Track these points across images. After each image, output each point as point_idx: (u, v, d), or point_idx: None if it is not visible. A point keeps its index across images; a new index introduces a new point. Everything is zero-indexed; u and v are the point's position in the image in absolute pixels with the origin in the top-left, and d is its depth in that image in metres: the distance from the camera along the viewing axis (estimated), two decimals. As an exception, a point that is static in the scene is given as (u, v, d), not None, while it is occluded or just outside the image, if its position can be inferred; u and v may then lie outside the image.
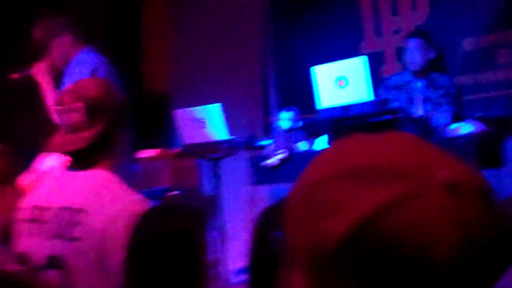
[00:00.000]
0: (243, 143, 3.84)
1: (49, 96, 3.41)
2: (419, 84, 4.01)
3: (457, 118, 3.77)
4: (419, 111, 3.98)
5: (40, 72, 3.48)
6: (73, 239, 1.75)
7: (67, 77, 3.40)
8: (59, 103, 1.86)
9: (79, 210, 1.77)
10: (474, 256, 0.61)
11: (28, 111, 4.65)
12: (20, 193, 2.06)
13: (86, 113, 1.82)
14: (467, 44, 4.20)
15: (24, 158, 2.46)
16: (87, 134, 1.82)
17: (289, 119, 4.12)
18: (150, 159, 3.62)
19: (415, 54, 3.98)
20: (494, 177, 3.96)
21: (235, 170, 4.54)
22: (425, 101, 3.97)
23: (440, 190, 0.60)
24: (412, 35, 4.11)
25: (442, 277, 0.60)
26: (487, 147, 3.14)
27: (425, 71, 4.01)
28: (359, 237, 0.60)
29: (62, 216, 1.79)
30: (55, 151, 1.96)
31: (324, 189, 0.64)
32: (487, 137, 3.19)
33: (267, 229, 1.25)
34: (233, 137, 3.91)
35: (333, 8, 4.77)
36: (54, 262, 1.78)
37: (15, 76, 3.52)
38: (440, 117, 3.41)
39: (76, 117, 1.83)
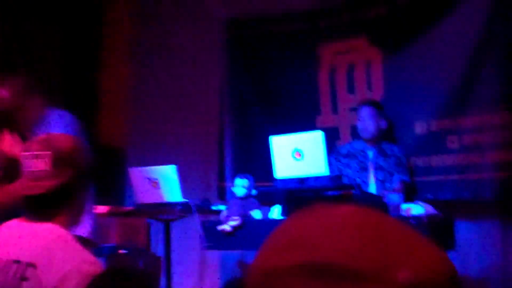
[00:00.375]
0: (196, 206, 3.82)
1: None
2: (370, 153, 4.14)
3: (411, 191, 3.87)
4: (371, 179, 4.07)
5: (10, 145, 3.13)
6: (20, 294, 1.69)
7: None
8: (26, 149, 1.84)
9: (29, 265, 1.72)
10: None
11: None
12: None
13: (52, 163, 1.80)
14: (419, 127, 4.33)
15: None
16: (49, 183, 1.80)
17: (244, 186, 4.12)
18: (100, 215, 3.56)
19: (367, 122, 4.13)
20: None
21: (186, 233, 4.49)
22: (377, 169, 4.09)
23: None
24: (365, 103, 4.26)
25: None
26: (438, 229, 3.21)
27: (376, 140, 4.15)
28: None
29: (10, 269, 1.74)
30: (14, 193, 1.93)
31: (280, 279, 0.61)
32: (438, 220, 3.27)
33: None
34: (187, 199, 3.89)
35: (292, 79, 4.87)
36: (-2, 317, 1.71)
37: None
38: (392, 197, 3.49)
39: (41, 165, 1.80)
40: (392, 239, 0.62)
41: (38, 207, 1.83)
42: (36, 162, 1.81)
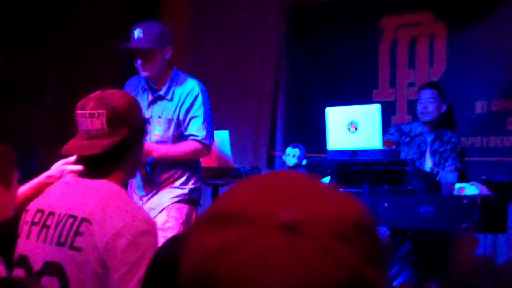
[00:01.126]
0: (245, 173, 3.83)
1: (176, 151, 3.22)
2: (429, 138, 4.08)
3: (461, 176, 3.80)
4: (427, 162, 4.02)
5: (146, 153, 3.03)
6: (74, 248, 1.73)
7: (170, 99, 3.16)
8: (82, 107, 1.84)
9: (83, 220, 1.75)
10: None
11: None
12: (15, 196, 2.03)
13: (107, 122, 1.81)
14: (479, 106, 4.23)
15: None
16: (104, 142, 1.81)
17: (294, 156, 4.12)
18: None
19: (428, 105, 4.05)
20: (492, 242, 3.97)
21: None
22: (433, 153, 4.03)
23: (276, 232, 0.61)
24: (426, 86, 4.18)
25: None
26: (491, 212, 3.15)
27: (436, 124, 4.08)
28: (195, 281, 0.63)
29: (65, 223, 1.77)
30: (69, 153, 1.95)
31: (191, 232, 0.68)
32: (491, 202, 3.20)
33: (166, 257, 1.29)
34: (237, 165, 3.91)
35: (351, 53, 4.81)
36: (50, 269, 1.76)
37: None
38: (447, 175, 3.43)
39: (96, 123, 1.82)
40: (293, 190, 0.66)
41: (94, 166, 1.85)
42: (91, 121, 1.82)
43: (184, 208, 3.15)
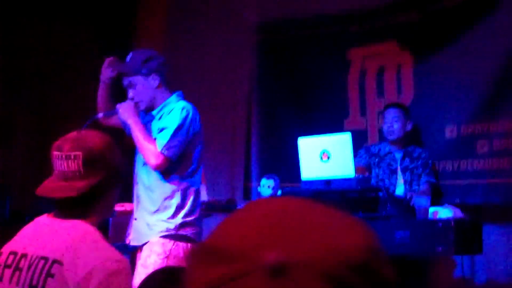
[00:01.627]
0: (221, 205, 3.83)
1: (143, 133, 3.00)
2: (398, 155, 4.13)
3: (437, 192, 3.84)
4: (399, 180, 4.06)
5: (127, 111, 3.03)
6: (46, 290, 1.71)
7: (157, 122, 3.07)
8: (58, 148, 1.83)
9: (55, 262, 1.73)
10: None
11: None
12: None
13: (83, 164, 1.80)
14: (449, 131, 4.30)
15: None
16: (79, 185, 1.80)
17: (269, 187, 4.12)
18: (123, 213, 3.58)
19: (393, 123, 4.11)
20: (470, 263, 3.99)
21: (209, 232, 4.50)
22: (404, 170, 4.07)
23: (260, 273, 0.57)
24: (390, 106, 4.25)
25: None
26: (465, 233, 3.18)
27: (403, 142, 4.14)
28: None
29: (37, 265, 1.75)
30: (44, 195, 1.93)
31: (187, 264, 0.65)
32: (466, 224, 3.23)
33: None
34: (212, 198, 3.90)
35: (322, 83, 4.87)
36: (25, 311, 1.73)
37: (100, 116, 3.12)
38: (420, 199, 3.46)
39: (72, 165, 1.81)
40: (287, 224, 0.61)
41: (68, 207, 1.83)
42: (67, 162, 1.81)
43: (169, 243, 2.96)
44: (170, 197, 3.01)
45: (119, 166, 1.92)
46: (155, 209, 3.01)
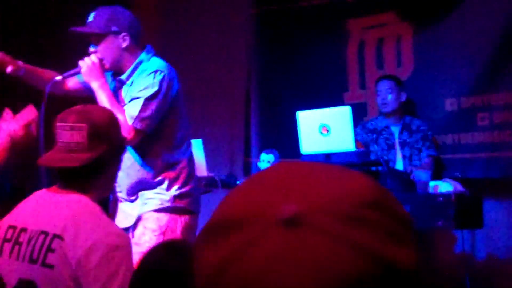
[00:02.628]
0: (221, 181, 3.82)
1: (111, 100, 2.66)
2: (396, 129, 4.10)
3: (438, 165, 3.82)
4: (397, 155, 4.04)
5: (91, 70, 2.68)
6: (46, 265, 1.71)
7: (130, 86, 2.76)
8: (62, 119, 1.83)
9: (55, 236, 1.73)
10: None
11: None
12: None
13: (87, 136, 1.80)
14: (449, 104, 4.27)
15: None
16: (84, 156, 1.79)
17: (269, 162, 4.11)
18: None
19: (386, 95, 4.08)
20: (470, 238, 4.00)
21: (211, 208, 4.49)
22: (403, 145, 4.05)
23: (278, 229, 0.55)
24: (382, 78, 4.22)
25: None
26: (466, 208, 3.17)
27: (399, 114, 4.10)
28: None
29: (37, 240, 1.74)
30: (47, 165, 1.91)
31: (196, 246, 0.63)
32: (466, 198, 3.22)
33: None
34: (212, 174, 3.89)
35: (320, 55, 4.82)
36: (24, 286, 1.73)
37: (59, 79, 2.72)
38: (420, 173, 3.45)
39: (76, 137, 1.80)
40: (291, 180, 0.60)
41: (70, 179, 1.83)
42: (71, 133, 1.80)
43: (165, 217, 2.73)
44: (160, 172, 2.75)
45: (122, 142, 1.92)
46: (145, 186, 2.76)
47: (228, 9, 5.33)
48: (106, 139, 1.83)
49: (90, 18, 2.70)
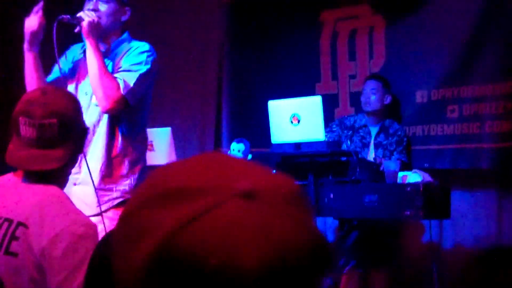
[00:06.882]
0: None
1: (103, 63, 2.57)
2: (373, 130, 4.11)
3: (405, 167, 3.86)
4: (370, 155, 4.05)
5: (92, 27, 2.58)
6: (9, 253, 1.67)
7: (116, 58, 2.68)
8: (27, 114, 1.73)
9: (20, 224, 1.69)
10: (283, 261, 0.61)
11: None
12: None
13: (58, 131, 1.73)
14: (420, 96, 4.30)
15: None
16: (57, 154, 1.73)
17: (239, 151, 4.10)
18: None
19: (370, 95, 4.09)
20: (438, 228, 4.05)
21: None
22: (377, 146, 4.06)
23: (237, 199, 0.62)
24: (370, 77, 4.23)
25: (254, 284, 0.60)
26: (434, 198, 3.20)
27: (380, 116, 4.12)
28: (162, 260, 0.61)
29: (1, 227, 1.70)
30: (18, 166, 1.79)
31: (134, 215, 0.66)
32: (434, 188, 3.26)
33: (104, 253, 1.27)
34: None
35: (293, 46, 4.82)
36: (-14, 274, 1.69)
37: (65, 19, 2.57)
38: (389, 164, 3.47)
39: (46, 133, 1.73)
40: (236, 164, 0.69)
41: (44, 177, 1.76)
42: (41, 130, 1.73)
43: (116, 211, 2.60)
44: (123, 155, 2.64)
45: (84, 126, 1.87)
46: (105, 171, 2.62)
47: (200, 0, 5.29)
48: (75, 130, 1.78)
49: None
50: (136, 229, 0.64)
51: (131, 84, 2.56)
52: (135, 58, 2.63)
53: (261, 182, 0.65)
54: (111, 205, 2.64)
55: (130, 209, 0.67)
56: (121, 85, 2.55)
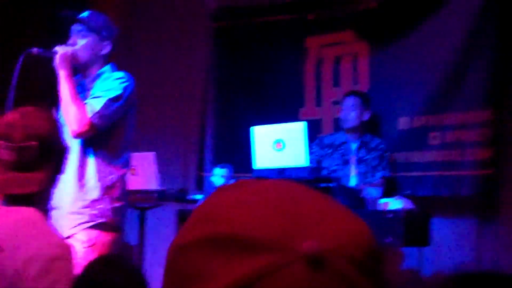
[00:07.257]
0: (173, 195, 3.78)
1: (74, 91, 2.67)
2: (353, 145, 4.12)
3: (391, 185, 3.86)
4: (352, 171, 4.06)
5: (64, 59, 2.70)
6: (-17, 277, 1.65)
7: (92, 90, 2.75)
8: (7, 137, 1.72)
9: (-5, 247, 1.67)
10: None
11: None
12: None
13: (39, 154, 1.72)
14: (402, 122, 4.33)
15: None
16: (38, 176, 1.72)
17: (223, 176, 4.09)
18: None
19: (349, 112, 4.11)
20: (418, 255, 4.04)
21: (161, 222, 4.45)
22: (359, 162, 4.07)
23: (301, 263, 0.58)
24: (349, 93, 4.26)
25: None
26: (414, 225, 3.21)
27: (359, 132, 4.13)
28: None
29: (-24, 250, 1.68)
30: (1, 190, 1.77)
31: (186, 253, 0.62)
32: (415, 216, 3.26)
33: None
34: (164, 188, 3.85)
35: (278, 71, 4.85)
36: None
37: (34, 51, 2.69)
38: (371, 190, 3.48)
39: (26, 156, 1.72)
40: (305, 210, 0.62)
41: (22, 200, 1.75)
42: (20, 153, 1.72)
43: (93, 233, 2.64)
44: (96, 183, 2.68)
45: (63, 148, 1.86)
46: (77, 195, 2.67)
47: (187, 23, 5.32)
48: (55, 152, 1.78)
49: (85, 14, 2.80)
50: (190, 269, 0.61)
51: (97, 108, 2.64)
52: (105, 85, 2.73)
53: (331, 241, 0.59)
54: (81, 229, 2.65)
55: (189, 239, 0.63)
56: (88, 110, 2.64)
